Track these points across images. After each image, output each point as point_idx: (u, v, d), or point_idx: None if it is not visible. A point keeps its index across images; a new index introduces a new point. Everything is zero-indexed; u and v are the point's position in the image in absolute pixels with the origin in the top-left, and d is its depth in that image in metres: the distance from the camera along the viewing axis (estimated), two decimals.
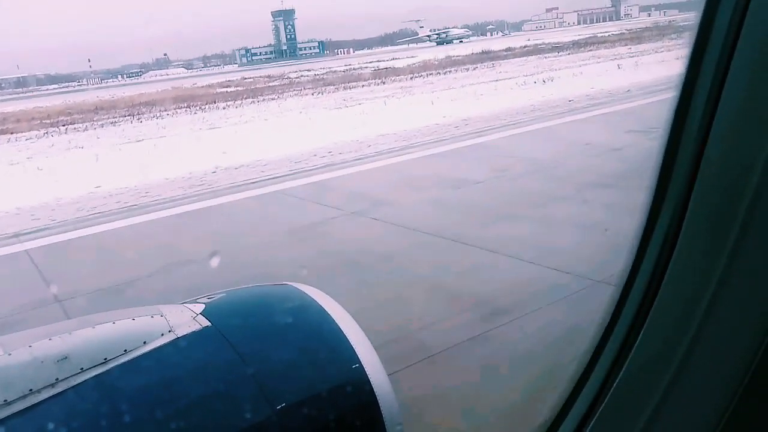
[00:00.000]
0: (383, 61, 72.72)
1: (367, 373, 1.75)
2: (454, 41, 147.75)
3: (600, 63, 30.68)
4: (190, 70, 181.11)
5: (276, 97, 34.99)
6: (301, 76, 59.79)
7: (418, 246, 7.00)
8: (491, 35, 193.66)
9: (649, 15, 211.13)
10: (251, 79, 62.33)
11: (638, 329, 1.06)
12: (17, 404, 1.44)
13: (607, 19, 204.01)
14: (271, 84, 49.82)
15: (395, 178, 10.74)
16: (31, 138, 25.55)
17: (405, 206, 8.65)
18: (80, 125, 29.60)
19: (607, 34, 70.96)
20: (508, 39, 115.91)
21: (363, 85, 36.01)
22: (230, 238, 8.01)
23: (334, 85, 39.26)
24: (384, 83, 36.16)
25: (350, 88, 35.43)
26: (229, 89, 48.25)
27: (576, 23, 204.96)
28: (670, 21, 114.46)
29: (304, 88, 38.68)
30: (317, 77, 51.19)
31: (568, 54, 43.81)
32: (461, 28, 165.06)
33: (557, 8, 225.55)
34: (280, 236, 7.85)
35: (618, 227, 5.89)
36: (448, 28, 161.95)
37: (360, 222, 8.08)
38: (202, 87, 56.97)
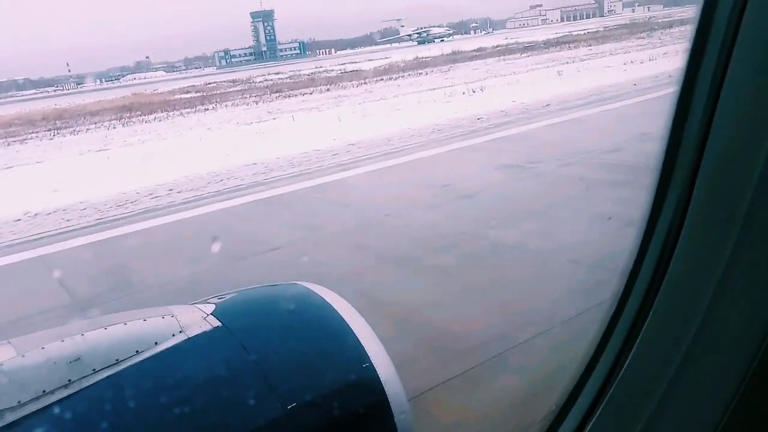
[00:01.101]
0: (356, 62, 71.55)
1: (377, 371, 1.74)
2: (436, 40, 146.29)
3: (549, 67, 28.73)
4: (169, 73, 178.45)
5: (212, 107, 33.04)
6: (265, 80, 58.14)
7: None
8: (475, 33, 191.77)
9: (633, 11, 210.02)
10: (214, 84, 60.73)
11: (639, 328, 1.06)
12: (31, 405, 1.44)
13: (591, 16, 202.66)
14: (227, 90, 47.91)
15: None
16: None
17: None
18: None
19: (581, 32, 69.76)
20: (487, 38, 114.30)
21: (305, 93, 34.04)
22: None
23: (282, 91, 37.45)
24: (329, 90, 34.32)
25: (291, 96, 33.51)
26: (182, 96, 46.39)
27: (559, 20, 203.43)
28: (649, 17, 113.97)
29: (249, 96, 36.81)
30: (275, 82, 49.29)
31: (529, 56, 41.94)
32: (442, 27, 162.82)
33: (541, 5, 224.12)
34: None
35: None
36: (430, 27, 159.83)
37: None
38: (160, 94, 55.12)
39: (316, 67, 70.80)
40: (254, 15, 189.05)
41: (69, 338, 1.63)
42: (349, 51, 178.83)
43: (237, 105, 32.32)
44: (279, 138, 16.66)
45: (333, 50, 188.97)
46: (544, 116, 14.32)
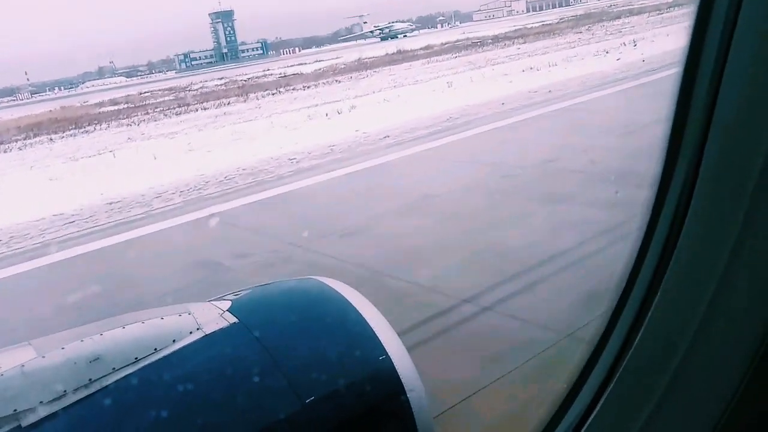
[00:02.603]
0: (304, 64, 69.29)
1: (395, 364, 1.74)
2: (399, 36, 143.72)
3: (457, 73, 25.70)
4: (130, 79, 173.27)
5: (115, 124, 29.89)
6: (202, 86, 55.31)
7: None
8: (441, 27, 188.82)
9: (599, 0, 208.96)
10: (148, 93, 57.60)
11: (639, 327, 1.07)
12: (52, 405, 1.44)
13: (557, 6, 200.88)
14: (155, 101, 44.70)
15: None
16: None
17: None
18: None
19: (534, 25, 67.94)
20: (446, 33, 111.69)
21: (203, 108, 30.85)
22: None
23: (208, 101, 34.38)
24: (245, 101, 31.25)
25: (186, 112, 30.32)
26: (103, 110, 43.06)
27: (525, 11, 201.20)
28: (609, 7, 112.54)
29: (168, 108, 33.72)
30: (201, 92, 45.92)
31: (457, 57, 39.21)
32: (405, 22, 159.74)
33: None
34: None
35: None
36: (391, 23, 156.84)
37: None
38: (86, 106, 51.84)
39: (263, 71, 68.79)
40: (213, 15, 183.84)
41: (88, 338, 1.63)
42: (313, 50, 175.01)
43: (141, 122, 29.02)
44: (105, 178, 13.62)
45: (297, 49, 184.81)
46: (348, 162, 11.44)
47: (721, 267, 0.92)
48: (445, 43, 60.81)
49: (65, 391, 1.48)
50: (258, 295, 2.11)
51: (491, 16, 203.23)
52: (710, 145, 0.93)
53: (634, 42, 24.88)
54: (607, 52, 22.28)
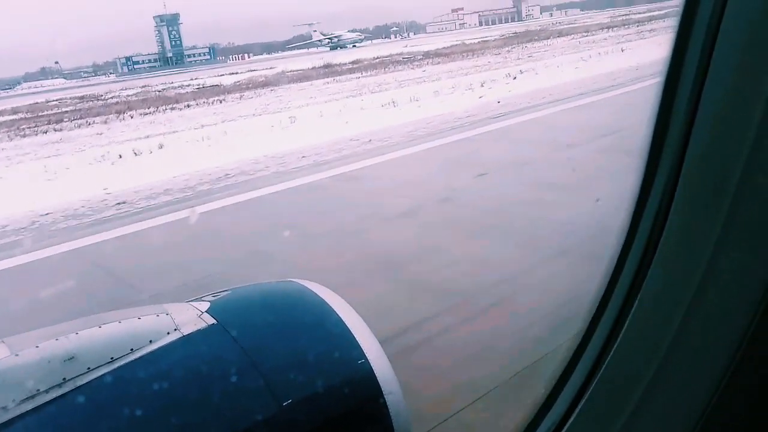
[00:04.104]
0: (236, 73, 67.59)
1: (374, 368, 1.72)
2: (348, 46, 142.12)
3: (348, 98, 23.64)
4: (69, 81, 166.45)
5: None
6: (118, 94, 53.14)
7: None
8: (394, 37, 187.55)
9: (551, 15, 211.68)
10: (55, 102, 53.94)
11: (620, 329, 1.08)
12: (26, 404, 1.43)
13: (509, 20, 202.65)
14: (56, 111, 41.34)
15: None
16: None
17: None
18: None
19: (473, 41, 67.26)
20: (393, 44, 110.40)
21: (89, 124, 27.80)
22: None
23: (100, 115, 31.56)
24: (123, 120, 28.39)
25: (55, 130, 27.22)
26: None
27: (477, 24, 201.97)
28: (557, 21, 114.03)
29: (50, 122, 30.50)
30: (111, 103, 42.65)
31: (373, 75, 37.24)
32: (355, 32, 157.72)
33: (462, 9, 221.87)
34: None
35: None
36: (341, 33, 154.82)
37: None
38: None
39: (190, 79, 66.70)
40: (158, 19, 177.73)
41: (63, 337, 1.61)
42: (263, 56, 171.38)
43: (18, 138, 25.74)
44: None
45: (247, 55, 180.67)
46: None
47: (699, 273, 0.92)
48: (376, 58, 59.32)
49: (38, 390, 1.44)
50: (237, 296, 2.06)
51: (444, 29, 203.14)
52: (692, 147, 0.94)
53: (520, 71, 23.31)
54: (482, 85, 20.44)
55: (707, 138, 0.93)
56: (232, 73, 69.24)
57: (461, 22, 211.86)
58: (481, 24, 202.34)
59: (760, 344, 0.90)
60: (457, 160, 10.24)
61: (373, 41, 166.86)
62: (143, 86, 64.73)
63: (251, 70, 71.38)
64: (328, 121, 17.04)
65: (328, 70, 48.64)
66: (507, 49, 45.55)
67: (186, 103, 31.98)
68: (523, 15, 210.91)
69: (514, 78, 21.25)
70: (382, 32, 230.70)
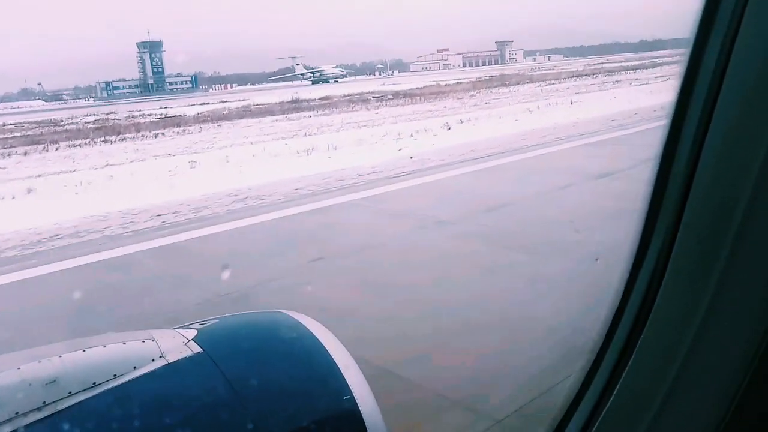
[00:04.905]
0: (207, 104, 67.57)
1: (358, 404, 1.69)
2: (330, 81, 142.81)
3: (284, 139, 22.35)
4: (49, 103, 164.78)
5: None
6: (79, 121, 51.66)
7: None
8: (379, 74, 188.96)
9: (534, 60, 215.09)
10: (12, 125, 52.42)
11: (639, 331, 1.09)
12: (3, 428, 1.42)
13: (492, 63, 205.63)
14: None
15: None
16: None
17: None
18: None
19: (447, 83, 67.46)
20: (370, 82, 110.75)
21: (28, 153, 26.23)
22: None
23: (34, 144, 30.00)
24: (47, 151, 26.89)
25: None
26: None
27: (461, 65, 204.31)
28: (535, 67, 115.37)
29: None
30: (61, 130, 41.08)
31: (328, 114, 36.25)
32: (337, 67, 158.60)
33: (447, 49, 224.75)
34: None
35: None
36: (322, 67, 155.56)
37: None
38: None
39: (160, 107, 66.84)
40: (141, 45, 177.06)
41: (46, 360, 1.60)
42: (248, 87, 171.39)
43: None
44: None
45: (230, 86, 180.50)
46: None
47: (719, 268, 0.93)
48: (345, 96, 58.95)
49: (17, 413, 1.41)
50: (225, 325, 2.01)
51: (427, 68, 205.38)
52: (707, 150, 0.94)
53: (461, 120, 22.29)
54: (413, 135, 19.27)
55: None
56: (203, 104, 69.02)
57: (445, 62, 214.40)
58: (464, 65, 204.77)
59: None
60: (309, 235, 8.81)
61: (357, 77, 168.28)
62: (109, 113, 64.06)
63: (222, 101, 71.16)
64: (228, 169, 15.61)
65: (290, 106, 47.81)
66: (471, 93, 45.05)
67: (123, 136, 30.55)
68: (507, 58, 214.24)
69: (449, 129, 20.11)
70: (368, 69, 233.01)
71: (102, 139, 29.51)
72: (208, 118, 40.11)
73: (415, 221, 8.90)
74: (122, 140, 28.65)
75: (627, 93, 31.19)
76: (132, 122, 43.64)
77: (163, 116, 49.01)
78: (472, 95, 42.52)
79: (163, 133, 30.58)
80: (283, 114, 39.31)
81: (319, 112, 38.16)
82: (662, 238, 1.03)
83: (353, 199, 10.71)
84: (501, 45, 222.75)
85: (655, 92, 29.36)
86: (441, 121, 23.12)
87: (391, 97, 51.61)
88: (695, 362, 0.98)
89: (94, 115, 61.89)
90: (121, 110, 69.37)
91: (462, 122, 22.34)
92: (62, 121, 55.41)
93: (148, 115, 53.66)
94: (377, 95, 55.60)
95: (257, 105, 54.08)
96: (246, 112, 44.08)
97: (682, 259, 0.99)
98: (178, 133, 30.51)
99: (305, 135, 23.35)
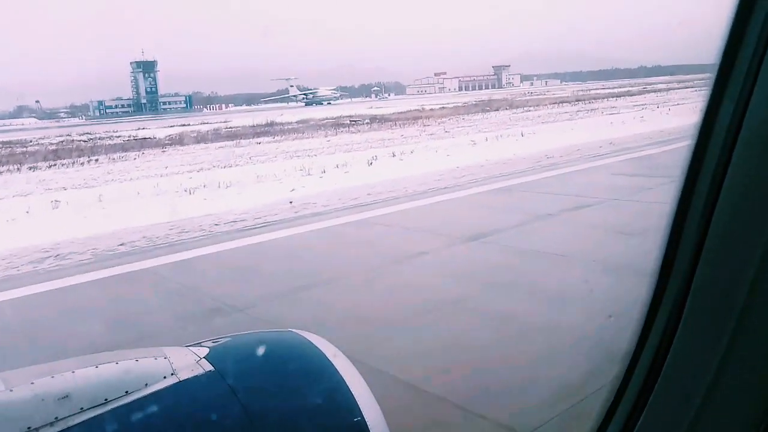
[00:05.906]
0: (186, 125, 66.78)
1: (369, 426, 1.69)
2: (324, 102, 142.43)
3: (223, 168, 20.75)
4: (43, 121, 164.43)
5: None
6: (52, 141, 50.58)
7: None
8: (375, 96, 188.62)
9: (531, 84, 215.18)
10: None
11: (673, 332, 1.08)
12: None
13: (489, 87, 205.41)
14: None
15: None
16: None
17: None
18: None
19: (434, 107, 66.44)
20: (362, 104, 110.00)
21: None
22: None
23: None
24: (19, 170, 25.97)
25: None
26: None
27: (457, 89, 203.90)
28: (527, 92, 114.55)
29: None
30: (29, 151, 39.61)
31: (298, 138, 34.91)
32: (330, 89, 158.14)
33: (445, 73, 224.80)
34: None
35: None
36: (316, 89, 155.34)
37: None
38: None
39: (137, 128, 65.98)
40: (134, 65, 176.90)
41: (59, 375, 1.60)
42: (243, 107, 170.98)
43: None
44: None
45: (224, 106, 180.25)
46: None
47: (750, 276, 0.92)
48: (324, 119, 58.05)
49: (29, 427, 1.42)
50: (236, 344, 2.02)
51: (423, 91, 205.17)
52: (735, 162, 0.93)
53: (389, 155, 20.65)
54: (324, 171, 17.56)
55: (754, 143, 0.91)
56: (182, 125, 68.07)
57: (441, 86, 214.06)
58: (460, 89, 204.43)
59: None
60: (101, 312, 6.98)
61: (353, 99, 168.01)
62: (83, 133, 63.03)
63: (203, 123, 70.38)
64: (88, 211, 13.63)
65: (259, 130, 46.44)
66: (441, 120, 43.75)
67: (58, 162, 29.01)
68: (504, 83, 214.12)
69: (370, 164, 18.40)
70: (365, 91, 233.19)
71: (29, 166, 27.85)
72: (164, 143, 38.75)
73: (228, 298, 7.01)
74: (50, 167, 27.03)
75: (591, 124, 29.84)
76: (90, 145, 42.19)
77: (127, 138, 47.77)
78: (441, 122, 41.11)
79: (97, 159, 29.02)
80: (240, 139, 37.83)
81: (277, 138, 36.81)
82: (695, 233, 0.99)
83: (189, 256, 8.86)
84: (498, 69, 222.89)
85: (617, 123, 27.92)
86: (377, 153, 21.51)
87: (366, 121, 50.61)
88: (732, 363, 0.96)
89: (67, 135, 60.78)
90: (98, 130, 68.32)
91: (394, 155, 20.66)
92: (32, 141, 54.17)
93: (117, 137, 52.39)
94: (354, 119, 54.67)
95: (228, 128, 52.91)
96: (209, 137, 42.75)
97: (713, 260, 0.97)
98: (113, 159, 29.00)
99: (223, 167, 21.68)
